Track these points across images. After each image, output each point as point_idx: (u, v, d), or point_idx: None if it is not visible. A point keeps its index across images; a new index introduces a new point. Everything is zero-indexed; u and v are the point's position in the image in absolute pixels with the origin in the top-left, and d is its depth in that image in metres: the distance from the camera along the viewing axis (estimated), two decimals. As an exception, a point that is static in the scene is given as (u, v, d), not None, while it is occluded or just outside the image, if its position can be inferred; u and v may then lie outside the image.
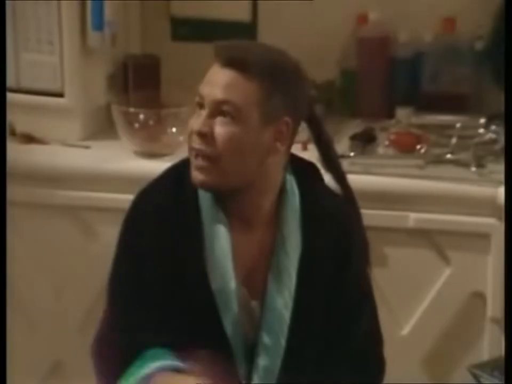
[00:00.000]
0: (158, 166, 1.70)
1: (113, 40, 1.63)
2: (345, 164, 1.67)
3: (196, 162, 1.21)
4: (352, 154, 1.71)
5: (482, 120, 1.80)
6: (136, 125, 1.58)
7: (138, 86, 1.69)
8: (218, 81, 1.19)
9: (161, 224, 1.25)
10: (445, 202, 1.63)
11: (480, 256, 1.60)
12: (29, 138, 1.60)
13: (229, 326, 1.27)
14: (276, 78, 1.22)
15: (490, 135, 1.71)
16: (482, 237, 1.57)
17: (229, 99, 1.17)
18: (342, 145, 1.75)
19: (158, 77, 1.78)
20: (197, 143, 1.19)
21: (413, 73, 1.93)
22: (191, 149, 1.20)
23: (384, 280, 1.67)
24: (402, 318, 1.72)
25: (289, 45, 1.87)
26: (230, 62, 1.19)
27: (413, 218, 1.63)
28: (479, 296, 1.61)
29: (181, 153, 1.75)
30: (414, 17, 1.93)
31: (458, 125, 1.78)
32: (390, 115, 1.88)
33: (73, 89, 1.59)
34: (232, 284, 1.25)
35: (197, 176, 1.20)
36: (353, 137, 1.76)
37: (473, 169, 1.62)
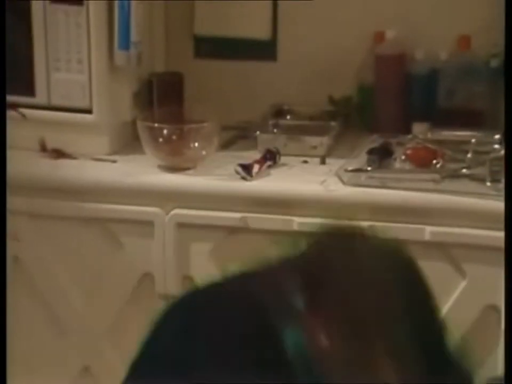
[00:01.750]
0: (181, 179, 1.63)
1: (139, 58, 1.62)
2: (362, 178, 1.69)
3: None
4: (369, 168, 1.70)
5: (497, 136, 1.73)
6: (160, 140, 1.58)
7: (163, 102, 1.69)
8: None
9: None
10: (460, 216, 1.60)
11: (495, 270, 1.51)
12: (59, 154, 1.60)
13: None
14: None
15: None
16: (497, 250, 1.49)
17: None
18: (359, 160, 1.75)
19: (181, 94, 1.77)
20: None
21: (428, 90, 1.91)
22: None
23: None
24: None
25: (308, 61, 1.82)
26: None
27: (429, 231, 1.60)
28: (494, 309, 1.56)
29: (202, 167, 1.68)
30: (430, 35, 1.91)
31: (473, 141, 1.75)
32: (407, 130, 1.86)
33: (100, 106, 1.59)
34: None
35: None
36: (371, 152, 1.74)
37: (488, 184, 1.59)
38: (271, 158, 1.67)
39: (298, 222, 1.62)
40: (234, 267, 1.09)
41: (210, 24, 1.85)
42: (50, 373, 1.67)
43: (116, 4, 1.56)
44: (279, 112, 1.88)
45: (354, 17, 1.83)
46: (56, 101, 1.57)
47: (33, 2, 1.55)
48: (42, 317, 1.65)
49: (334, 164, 1.73)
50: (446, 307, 1.64)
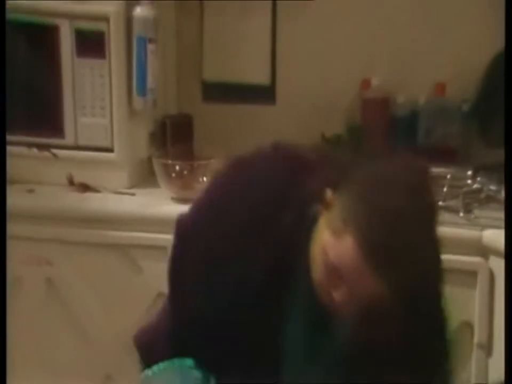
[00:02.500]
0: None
1: (154, 103, 1.72)
2: None
3: None
4: None
5: (469, 172, 1.81)
6: (173, 175, 1.68)
7: (175, 141, 1.79)
8: None
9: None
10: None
11: (469, 290, 1.61)
12: (85, 188, 1.69)
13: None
14: None
15: (477, 185, 1.75)
16: (470, 273, 1.59)
17: None
18: None
19: (191, 134, 1.87)
20: None
21: (409, 130, 1.99)
22: None
23: None
24: None
25: (302, 104, 1.94)
26: None
27: None
28: (468, 325, 1.60)
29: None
30: (410, 82, 1.99)
31: (448, 176, 1.81)
32: None
33: (121, 145, 1.69)
34: None
35: None
36: None
37: (462, 214, 1.66)
38: None
39: None
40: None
41: (216, 70, 1.94)
42: (76, 380, 1.72)
43: (134, 56, 1.66)
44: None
45: (343, 66, 1.91)
46: (82, 142, 1.68)
47: (63, 56, 1.65)
48: (71, 330, 1.70)
49: None
50: None
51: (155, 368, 1.12)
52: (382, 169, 0.98)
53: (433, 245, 1.03)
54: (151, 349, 1.15)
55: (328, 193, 0.92)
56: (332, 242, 0.91)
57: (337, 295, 0.92)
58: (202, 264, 1.05)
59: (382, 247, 0.91)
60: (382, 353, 1.03)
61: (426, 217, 1.02)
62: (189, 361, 1.12)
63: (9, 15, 1.60)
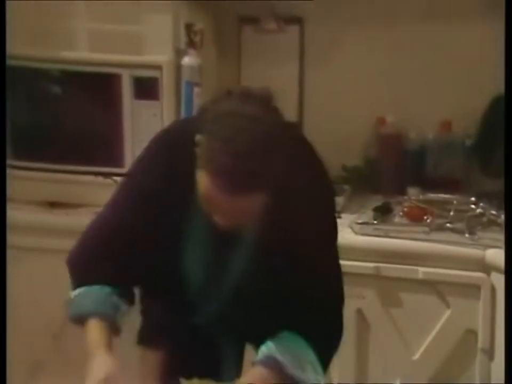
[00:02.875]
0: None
1: None
2: (369, 229, 1.84)
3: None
4: (375, 222, 1.86)
5: (472, 199, 1.93)
6: None
7: None
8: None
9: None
10: (445, 260, 1.77)
11: (473, 302, 1.73)
12: None
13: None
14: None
15: (479, 210, 1.88)
16: (474, 287, 1.72)
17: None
18: (367, 215, 1.92)
19: None
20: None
21: (419, 162, 2.09)
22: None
23: (400, 319, 1.82)
24: (413, 346, 1.83)
25: (326, 138, 1.96)
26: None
27: (421, 271, 1.77)
28: (472, 332, 1.74)
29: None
30: (420, 120, 2.10)
31: (454, 202, 1.95)
32: (403, 193, 2.04)
33: None
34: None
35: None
36: (375, 209, 1.92)
37: (467, 235, 1.77)
38: None
39: None
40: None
41: None
42: None
43: (182, 98, 1.86)
44: None
45: (361, 106, 2.07)
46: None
47: (124, 99, 1.87)
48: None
49: (347, 218, 1.91)
50: (434, 331, 1.81)
51: (77, 291, 1.22)
52: (227, 106, 1.08)
53: (281, 165, 1.08)
54: (78, 271, 1.24)
55: (198, 137, 1.06)
56: (201, 178, 1.06)
57: (218, 219, 1.09)
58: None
59: (229, 173, 1.02)
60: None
61: (270, 140, 1.07)
62: (107, 288, 1.21)
63: (81, 67, 1.84)
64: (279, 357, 1.19)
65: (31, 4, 1.95)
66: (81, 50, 1.89)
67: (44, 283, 1.96)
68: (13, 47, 1.85)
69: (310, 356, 1.20)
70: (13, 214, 1.86)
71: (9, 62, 1.88)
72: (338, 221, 1.79)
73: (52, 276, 1.86)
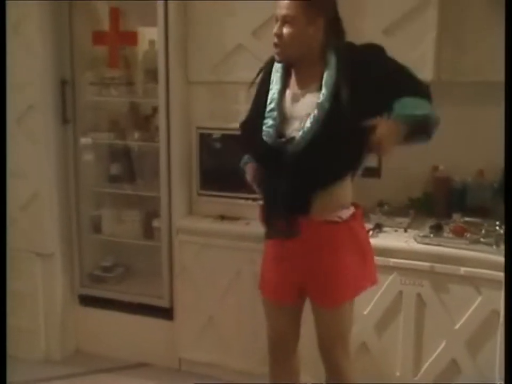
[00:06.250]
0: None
1: None
2: (427, 240, 2.02)
3: (274, 46, 1.51)
4: (431, 235, 2.06)
5: (497, 222, 2.08)
6: None
7: None
8: (281, 6, 1.50)
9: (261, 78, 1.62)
10: (479, 263, 1.96)
11: (497, 291, 1.91)
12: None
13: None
14: (315, 4, 1.47)
15: (502, 230, 1.96)
16: (497, 281, 1.90)
17: (287, 14, 1.47)
18: (425, 231, 2.10)
19: None
20: (275, 39, 1.50)
21: (461, 197, 2.26)
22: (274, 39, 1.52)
23: (446, 301, 2.01)
24: (456, 320, 2.01)
25: (399, 178, 2.29)
26: None
27: (462, 270, 1.99)
28: (496, 312, 1.96)
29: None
30: (462, 168, 2.27)
31: (485, 224, 2.11)
32: (450, 217, 2.22)
33: None
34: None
35: (274, 51, 1.51)
36: (431, 227, 2.12)
37: (494, 247, 1.97)
38: (378, 228, 2.19)
39: (392, 261, 2.05)
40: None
41: None
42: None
43: None
44: (381, 204, 2.35)
45: (422, 157, 2.18)
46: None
47: None
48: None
49: (411, 232, 2.16)
50: (470, 310, 2.01)
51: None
52: None
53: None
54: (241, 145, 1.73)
55: None
56: None
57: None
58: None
59: None
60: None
61: None
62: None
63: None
64: (401, 111, 1.50)
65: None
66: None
67: (213, 263, 2.35)
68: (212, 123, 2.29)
69: (420, 102, 1.53)
70: (198, 223, 2.35)
71: (202, 131, 2.32)
72: (406, 234, 2.09)
73: (218, 260, 2.31)
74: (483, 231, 2.05)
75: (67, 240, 2.59)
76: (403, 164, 2.29)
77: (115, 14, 2.47)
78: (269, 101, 1.56)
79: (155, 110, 2.48)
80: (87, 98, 2.55)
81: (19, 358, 2.57)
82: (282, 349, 1.72)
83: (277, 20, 1.49)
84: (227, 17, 2.30)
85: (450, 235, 2.06)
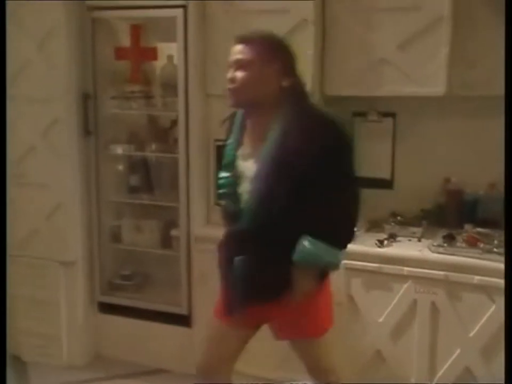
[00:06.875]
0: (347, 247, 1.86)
1: None
2: (441, 249, 2.02)
3: (228, 91, 1.45)
4: (444, 245, 2.08)
5: None
6: None
7: None
8: (235, 51, 1.46)
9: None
10: (492, 271, 1.97)
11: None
12: None
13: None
14: (269, 47, 1.42)
15: None
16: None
17: (242, 58, 1.42)
18: (439, 240, 2.11)
19: None
20: (229, 84, 1.44)
21: (473, 208, 2.28)
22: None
23: (460, 309, 2.01)
24: (469, 328, 2.03)
25: (412, 190, 2.31)
26: (240, 40, 1.45)
27: (476, 278, 2.00)
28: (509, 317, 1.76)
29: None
30: (474, 181, 2.28)
31: (497, 235, 2.11)
32: (462, 227, 2.22)
33: None
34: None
35: (228, 96, 1.44)
36: (444, 237, 2.13)
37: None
38: (392, 237, 2.22)
39: (406, 270, 2.07)
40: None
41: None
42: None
43: None
44: (394, 215, 2.37)
45: (435, 169, 2.29)
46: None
47: None
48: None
49: (425, 242, 2.18)
50: (483, 318, 2.02)
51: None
52: None
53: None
54: None
55: None
56: None
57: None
58: None
59: None
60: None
61: None
62: None
63: None
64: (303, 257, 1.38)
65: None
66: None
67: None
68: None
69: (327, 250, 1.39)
70: (215, 232, 1.86)
71: (219, 143, 1.95)
72: (420, 244, 2.09)
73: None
74: (495, 242, 2.06)
75: (88, 249, 2.61)
76: (416, 176, 2.35)
77: (136, 31, 2.52)
78: (224, 157, 1.51)
79: (173, 122, 2.52)
80: (108, 111, 2.58)
81: (42, 363, 2.59)
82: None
83: (231, 65, 1.46)
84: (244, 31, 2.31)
85: (464, 245, 2.08)
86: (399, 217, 2.31)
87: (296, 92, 1.44)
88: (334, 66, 2.25)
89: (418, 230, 2.22)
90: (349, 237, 1.48)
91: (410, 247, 2.13)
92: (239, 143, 1.49)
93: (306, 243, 1.40)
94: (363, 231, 2.21)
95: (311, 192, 1.37)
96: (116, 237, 2.68)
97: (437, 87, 2.06)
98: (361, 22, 2.22)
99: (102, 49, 2.53)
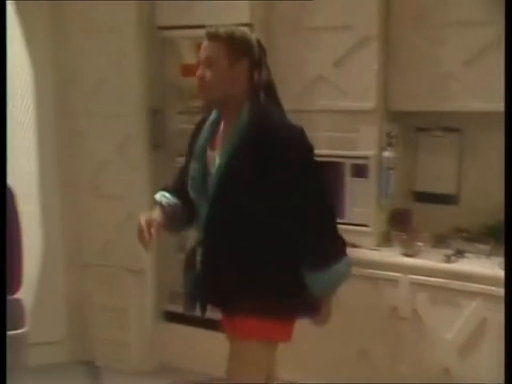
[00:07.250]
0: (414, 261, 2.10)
1: (391, 200, 2.26)
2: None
3: (198, 90, 1.46)
4: None
5: None
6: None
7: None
8: (204, 48, 1.45)
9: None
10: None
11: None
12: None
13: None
14: (237, 44, 1.40)
15: None
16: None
17: (210, 56, 1.41)
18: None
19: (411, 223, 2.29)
20: (198, 81, 1.45)
21: None
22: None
23: None
24: None
25: (475, 205, 2.26)
26: (209, 37, 1.44)
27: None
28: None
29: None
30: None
31: None
32: None
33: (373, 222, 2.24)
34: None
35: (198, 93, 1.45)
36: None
37: None
38: (460, 253, 2.17)
39: (476, 286, 1.99)
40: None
41: (426, 184, 2.32)
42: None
43: (382, 177, 2.21)
44: (459, 231, 2.31)
45: (502, 185, 1.88)
46: (353, 220, 2.22)
47: (346, 177, 2.23)
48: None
49: (495, 259, 2.11)
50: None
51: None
52: None
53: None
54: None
55: None
56: None
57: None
58: None
59: None
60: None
61: None
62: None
63: (324, 158, 2.19)
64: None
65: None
66: (323, 149, 2.24)
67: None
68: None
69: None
70: None
71: None
72: (489, 261, 2.03)
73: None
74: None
75: (156, 258, 2.66)
76: (481, 192, 2.29)
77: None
78: (194, 155, 1.52)
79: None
80: (175, 126, 2.64)
81: (112, 368, 2.65)
82: None
83: (201, 63, 1.47)
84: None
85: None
86: (464, 234, 2.24)
87: (265, 88, 1.45)
88: (398, 82, 2.27)
89: (486, 247, 2.16)
90: (336, 246, 1.47)
91: (480, 264, 2.10)
92: (211, 137, 1.50)
93: (318, 275, 1.41)
94: (429, 246, 2.18)
95: (270, 194, 1.38)
96: (181, 246, 2.64)
97: (502, 102, 1.94)
98: (426, 37, 2.22)
99: (169, 67, 2.61)
